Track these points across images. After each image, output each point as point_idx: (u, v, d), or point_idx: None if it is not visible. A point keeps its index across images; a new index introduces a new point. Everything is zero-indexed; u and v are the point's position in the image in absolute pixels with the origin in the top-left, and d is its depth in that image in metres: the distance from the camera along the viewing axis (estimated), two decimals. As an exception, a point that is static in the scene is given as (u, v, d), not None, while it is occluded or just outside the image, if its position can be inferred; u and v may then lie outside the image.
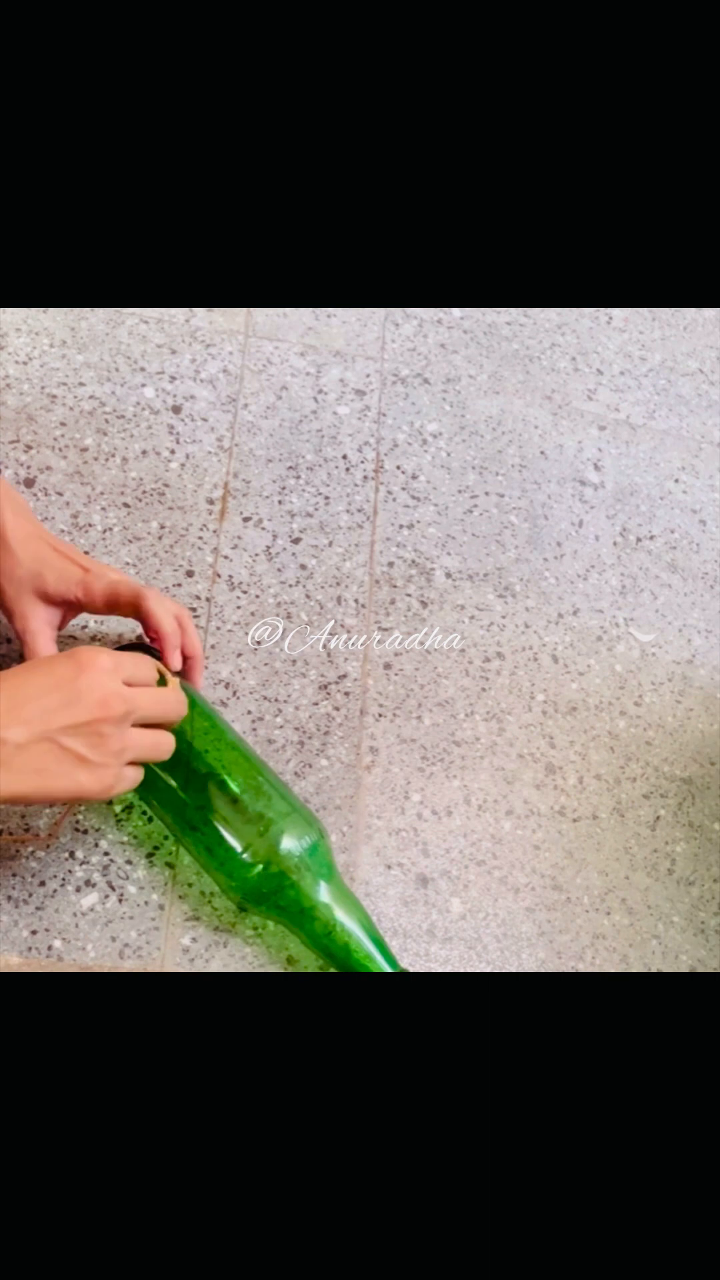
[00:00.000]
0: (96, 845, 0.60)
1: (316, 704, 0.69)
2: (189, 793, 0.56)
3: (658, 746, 0.75)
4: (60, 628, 0.59)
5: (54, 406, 0.74)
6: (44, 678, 0.47)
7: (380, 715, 0.70)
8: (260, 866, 0.55)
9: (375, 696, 0.70)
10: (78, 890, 0.59)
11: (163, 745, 0.51)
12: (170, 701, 0.52)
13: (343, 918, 0.56)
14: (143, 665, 0.51)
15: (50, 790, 0.47)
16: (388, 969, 0.56)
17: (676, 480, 0.88)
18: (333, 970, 0.57)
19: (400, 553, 0.77)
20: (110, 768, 0.48)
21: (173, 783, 0.56)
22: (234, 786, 0.56)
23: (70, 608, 0.58)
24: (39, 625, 0.57)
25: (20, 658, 0.59)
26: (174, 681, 0.55)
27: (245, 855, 0.55)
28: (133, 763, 0.50)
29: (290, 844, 0.56)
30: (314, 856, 0.56)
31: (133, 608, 0.57)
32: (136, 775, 0.51)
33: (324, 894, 0.56)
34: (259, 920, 0.60)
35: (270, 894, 0.56)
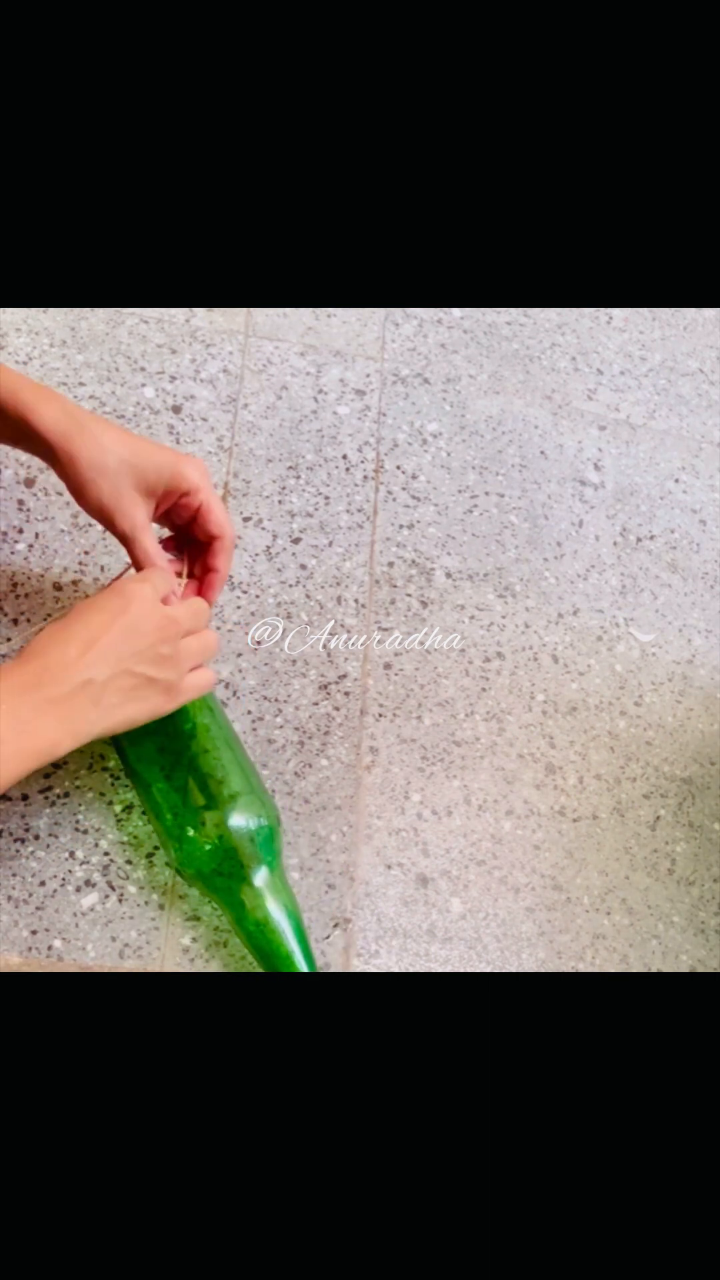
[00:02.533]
0: (96, 845, 0.60)
1: (316, 704, 0.69)
2: (164, 748, 0.58)
3: (658, 746, 0.74)
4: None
5: (54, 406, 0.74)
6: (100, 615, 0.50)
7: (380, 715, 0.70)
8: (210, 844, 0.56)
9: (375, 696, 0.70)
10: (78, 890, 0.59)
11: (210, 643, 0.55)
12: (202, 608, 0.55)
13: (274, 909, 0.56)
14: (165, 578, 0.54)
15: (134, 717, 0.51)
16: (304, 968, 0.56)
17: (676, 480, 0.88)
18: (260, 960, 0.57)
19: (400, 553, 0.77)
20: (176, 681, 0.52)
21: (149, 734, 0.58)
22: (203, 752, 0.58)
23: (166, 498, 0.55)
24: (144, 521, 0.55)
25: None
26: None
27: (197, 826, 0.56)
28: (193, 669, 0.54)
29: (241, 821, 0.56)
30: (262, 841, 0.57)
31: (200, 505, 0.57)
32: (204, 678, 0.54)
33: (262, 880, 0.56)
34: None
35: (213, 873, 0.56)
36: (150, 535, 0.56)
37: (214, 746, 0.58)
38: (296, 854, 0.64)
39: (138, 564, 0.56)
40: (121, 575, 0.60)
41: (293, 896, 0.58)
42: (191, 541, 0.60)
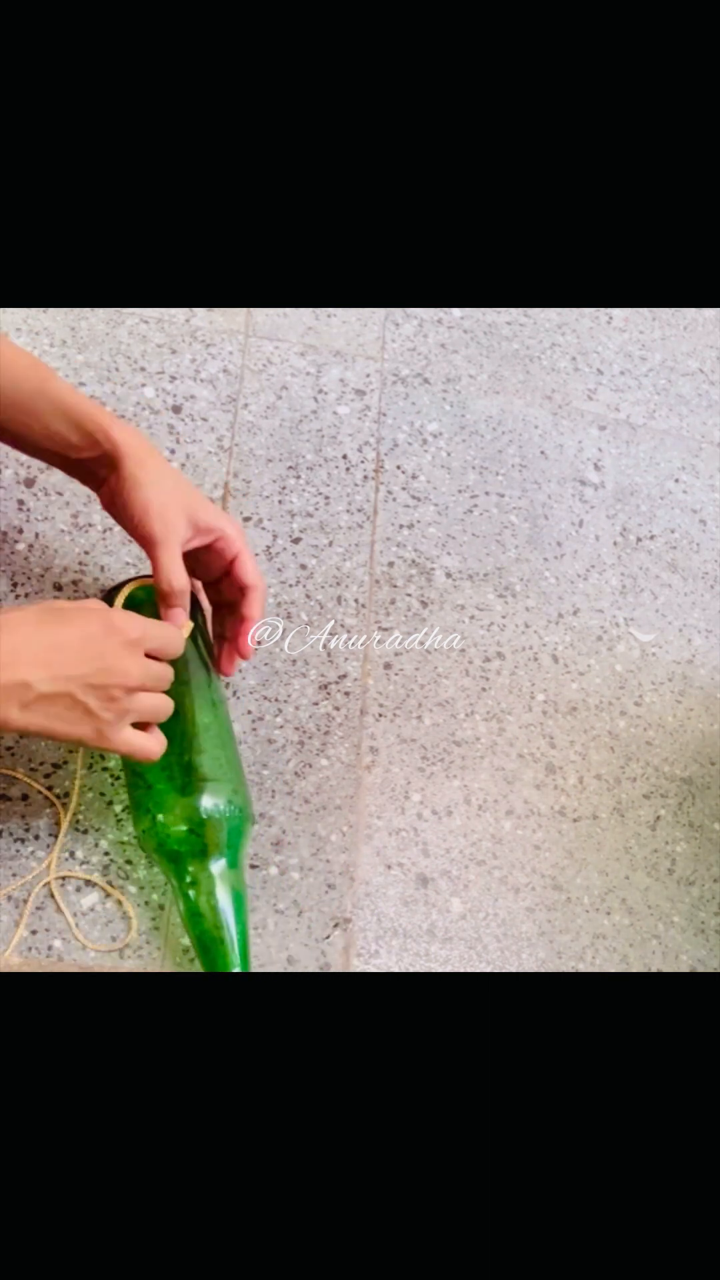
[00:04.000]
0: (96, 845, 0.60)
1: (316, 704, 0.69)
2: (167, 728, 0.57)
3: (658, 746, 0.75)
4: None
5: (54, 406, 0.74)
6: (75, 631, 0.49)
7: (380, 715, 0.70)
8: (184, 825, 0.56)
9: (375, 696, 0.70)
10: (78, 890, 0.59)
11: (161, 709, 0.53)
12: (167, 673, 0.53)
13: (223, 897, 0.56)
14: (171, 638, 0.53)
15: (53, 732, 0.49)
16: (235, 961, 0.56)
17: (676, 480, 0.88)
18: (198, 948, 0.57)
19: (400, 553, 0.77)
20: (111, 725, 0.50)
21: None
22: (204, 732, 0.58)
23: (204, 533, 0.58)
24: (178, 535, 0.57)
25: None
26: (187, 627, 0.58)
27: (171, 809, 0.56)
28: (136, 725, 0.53)
29: (220, 805, 0.56)
30: (231, 830, 0.57)
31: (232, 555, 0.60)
32: (144, 744, 0.53)
33: (219, 869, 0.56)
34: (258, 920, 0.60)
35: (179, 856, 0.56)
36: (177, 548, 0.56)
37: (214, 737, 0.58)
38: (297, 854, 0.64)
39: (156, 570, 0.57)
40: (123, 590, 0.60)
41: (244, 898, 0.57)
42: (221, 603, 0.62)
